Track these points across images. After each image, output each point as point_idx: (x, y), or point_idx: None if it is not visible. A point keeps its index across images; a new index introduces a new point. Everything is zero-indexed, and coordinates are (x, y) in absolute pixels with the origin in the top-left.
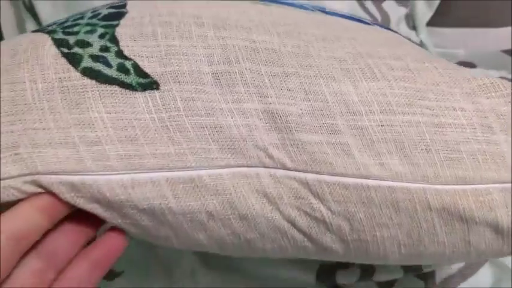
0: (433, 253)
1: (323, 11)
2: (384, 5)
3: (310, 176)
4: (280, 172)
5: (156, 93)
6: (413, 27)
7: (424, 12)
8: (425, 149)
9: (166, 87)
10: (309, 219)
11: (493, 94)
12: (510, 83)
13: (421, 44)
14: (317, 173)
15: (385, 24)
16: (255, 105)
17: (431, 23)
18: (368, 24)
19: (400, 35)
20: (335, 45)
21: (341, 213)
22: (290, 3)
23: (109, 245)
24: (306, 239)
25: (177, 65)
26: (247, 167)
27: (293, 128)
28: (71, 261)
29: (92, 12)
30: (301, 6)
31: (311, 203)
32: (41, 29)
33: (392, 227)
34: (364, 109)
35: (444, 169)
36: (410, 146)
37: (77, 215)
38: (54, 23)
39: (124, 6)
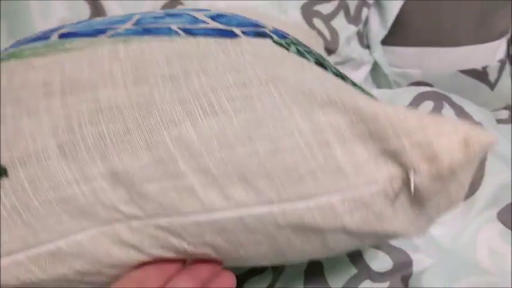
0: (299, 257)
1: (187, 31)
2: (333, 22)
3: (162, 220)
4: (135, 223)
5: (5, 180)
6: (367, 46)
7: (378, 30)
8: (267, 175)
9: (14, 172)
10: (176, 252)
11: (331, 110)
12: (349, 96)
13: (375, 63)
14: (168, 216)
15: (334, 42)
16: (98, 169)
17: (386, 42)
18: (237, 36)
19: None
20: (181, 83)
21: (201, 244)
22: (155, 30)
23: None
24: None
25: (23, 148)
26: (102, 226)
27: (136, 181)
28: None
29: None
30: (168, 30)
31: (171, 241)
32: None
33: (251, 245)
34: (204, 149)
35: (286, 190)
36: (252, 175)
37: None
38: None
39: None
